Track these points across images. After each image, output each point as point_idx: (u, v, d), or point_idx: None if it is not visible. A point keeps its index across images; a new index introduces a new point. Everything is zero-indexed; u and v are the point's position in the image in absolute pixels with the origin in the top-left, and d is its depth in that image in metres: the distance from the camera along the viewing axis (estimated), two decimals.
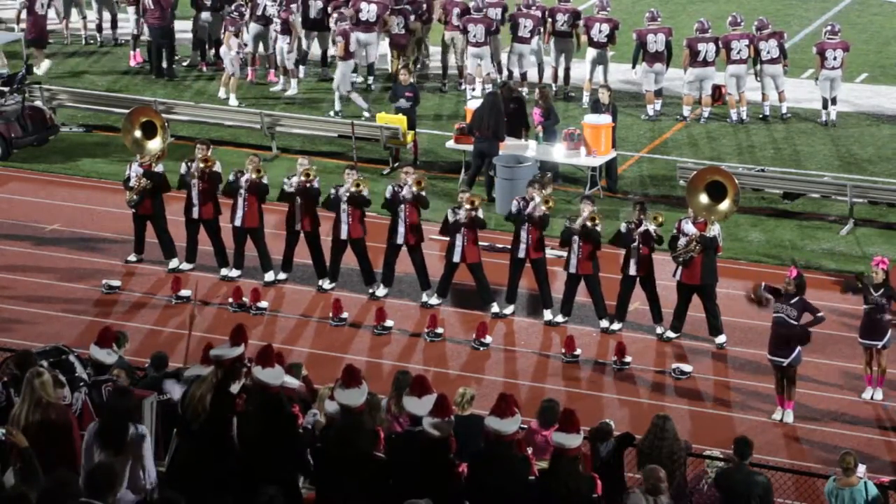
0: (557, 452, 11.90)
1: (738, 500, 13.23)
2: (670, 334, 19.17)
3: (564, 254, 19.57)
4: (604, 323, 19.37)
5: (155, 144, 21.05)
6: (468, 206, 19.56)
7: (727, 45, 26.80)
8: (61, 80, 28.96)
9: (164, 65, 29.49)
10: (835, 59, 26.52)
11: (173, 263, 21.05)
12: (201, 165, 20.51)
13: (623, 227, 19.27)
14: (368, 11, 28.34)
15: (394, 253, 20.23)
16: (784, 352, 17.09)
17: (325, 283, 20.56)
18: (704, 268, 18.77)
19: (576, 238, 19.14)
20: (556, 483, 11.80)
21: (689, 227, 18.84)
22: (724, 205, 18.97)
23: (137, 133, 21.12)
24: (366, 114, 26.83)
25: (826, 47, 26.57)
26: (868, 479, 13.83)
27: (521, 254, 19.55)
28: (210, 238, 20.83)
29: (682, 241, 18.76)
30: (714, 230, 18.77)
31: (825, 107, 26.96)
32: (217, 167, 20.70)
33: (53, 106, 26.89)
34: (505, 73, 28.29)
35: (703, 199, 18.97)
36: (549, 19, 28.06)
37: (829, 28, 27.13)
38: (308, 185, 20.23)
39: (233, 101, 27.55)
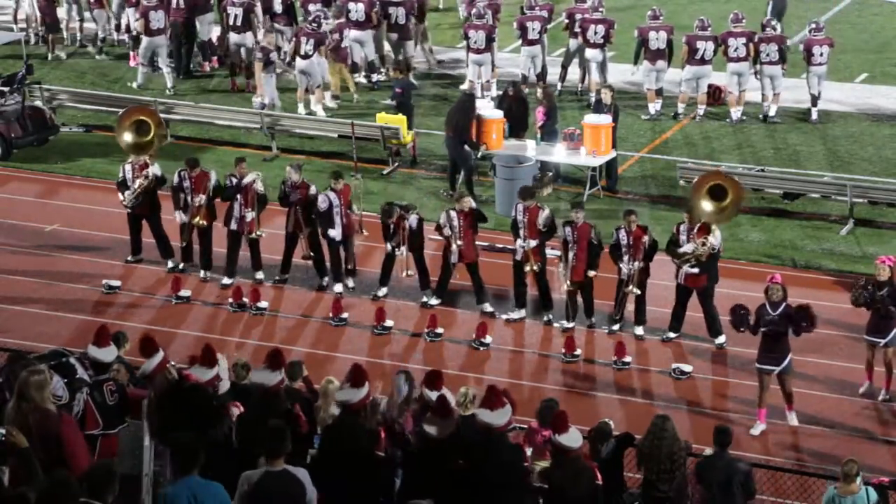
0: (558, 453, 11.95)
1: (721, 488, 13.22)
2: (670, 335, 19.15)
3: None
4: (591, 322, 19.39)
5: (130, 140, 21.04)
6: (457, 208, 19.67)
7: (725, 41, 26.87)
8: (61, 80, 28.99)
9: (183, 63, 29.64)
10: (821, 55, 26.78)
11: (171, 263, 21.04)
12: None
13: (613, 236, 19.14)
14: (357, 11, 28.46)
15: (390, 258, 20.22)
16: (774, 360, 16.93)
17: (325, 282, 20.57)
18: (708, 272, 18.74)
19: (572, 246, 19.05)
20: (558, 481, 11.85)
21: (688, 247, 18.72)
22: (726, 205, 18.90)
23: (128, 136, 21.05)
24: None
25: (813, 44, 26.75)
26: (867, 479, 13.82)
27: (520, 258, 19.51)
28: (200, 242, 20.83)
29: (689, 247, 18.64)
30: (717, 238, 18.69)
31: (814, 104, 27.10)
32: (213, 178, 20.65)
33: (53, 106, 26.90)
34: (519, 75, 28.18)
35: (707, 205, 18.88)
36: (567, 20, 28.29)
37: (813, 25, 27.30)
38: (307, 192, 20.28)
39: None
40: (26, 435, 11.25)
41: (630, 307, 19.36)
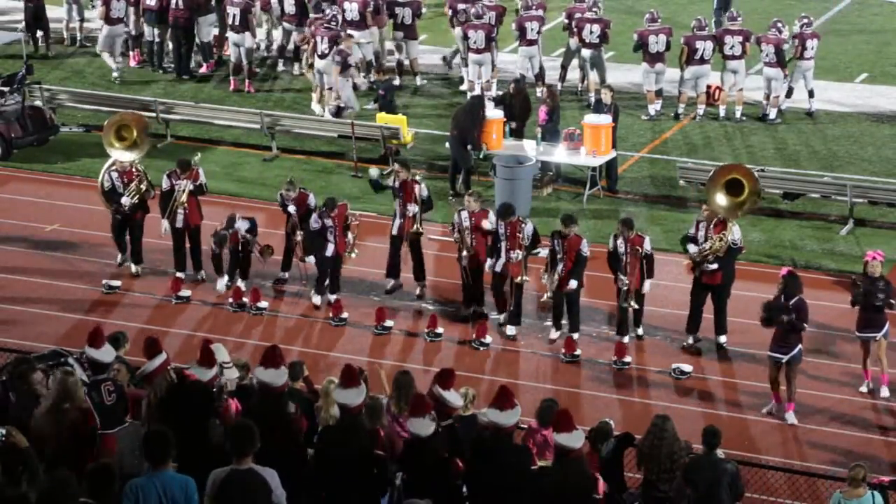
0: (560, 453, 11.94)
1: (708, 489, 13.22)
2: (689, 340, 18.97)
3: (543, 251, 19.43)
4: (575, 336, 19.13)
5: (129, 155, 20.88)
6: (471, 206, 19.57)
7: (721, 39, 26.91)
8: (61, 81, 28.99)
9: (183, 63, 29.69)
10: (812, 48, 26.98)
11: (135, 269, 20.94)
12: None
13: (611, 244, 18.96)
14: (351, 10, 28.52)
15: (393, 245, 20.19)
16: (784, 348, 17.09)
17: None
18: (725, 269, 18.69)
19: (561, 258, 18.79)
20: (558, 480, 11.84)
21: (696, 249, 18.65)
22: (744, 199, 18.88)
23: (116, 145, 20.91)
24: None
25: (805, 38, 26.95)
26: (868, 479, 13.81)
27: (498, 268, 19.22)
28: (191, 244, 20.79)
29: (706, 245, 18.56)
30: (735, 233, 18.64)
31: (789, 95, 27.31)
32: (202, 177, 20.64)
33: (53, 106, 26.89)
34: (518, 75, 28.17)
35: (721, 198, 18.84)
36: (567, 20, 28.34)
37: (805, 20, 27.33)
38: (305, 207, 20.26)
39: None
40: (68, 433, 11.37)
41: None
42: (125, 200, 20.57)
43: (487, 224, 19.31)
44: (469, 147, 23.69)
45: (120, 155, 20.83)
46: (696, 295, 18.91)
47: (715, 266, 18.56)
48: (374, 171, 22.20)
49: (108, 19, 29.13)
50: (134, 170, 20.74)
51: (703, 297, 18.88)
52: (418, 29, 29.40)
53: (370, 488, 11.99)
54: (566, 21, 28.56)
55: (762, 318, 17.21)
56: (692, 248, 18.69)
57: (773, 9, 32.44)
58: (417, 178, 20.37)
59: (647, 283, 18.82)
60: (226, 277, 20.37)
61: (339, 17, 27.82)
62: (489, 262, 19.26)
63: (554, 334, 19.15)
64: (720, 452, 13.78)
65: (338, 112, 26.26)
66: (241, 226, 20.28)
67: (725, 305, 18.87)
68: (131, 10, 30.14)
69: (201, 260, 20.76)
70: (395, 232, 20.18)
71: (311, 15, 28.67)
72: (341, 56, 26.49)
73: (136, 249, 21.00)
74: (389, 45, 29.75)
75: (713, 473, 13.22)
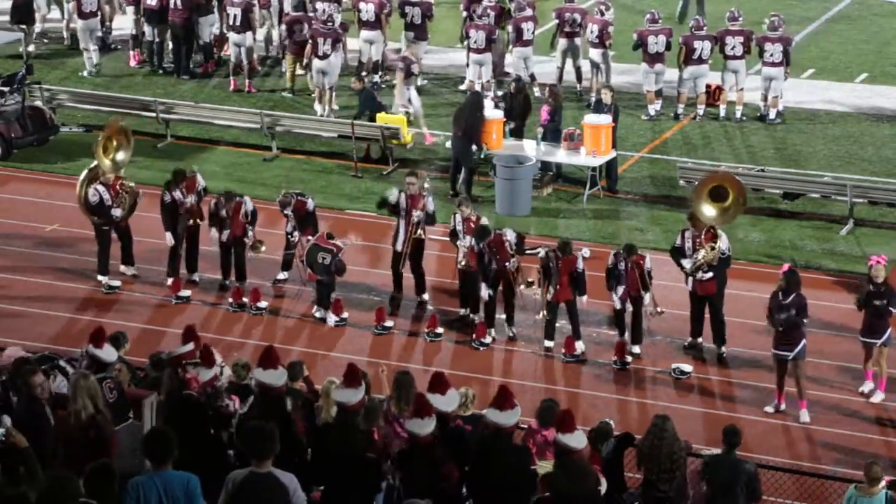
0: (560, 452, 11.94)
1: (725, 488, 13.22)
2: (689, 340, 19.00)
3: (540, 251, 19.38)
4: (579, 345, 19.09)
5: (122, 156, 20.82)
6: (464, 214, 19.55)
7: (722, 40, 26.90)
8: (61, 80, 28.99)
9: (183, 63, 29.67)
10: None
11: (130, 270, 20.93)
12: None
13: (611, 261, 18.76)
14: (367, 11, 28.52)
15: (396, 259, 20.17)
16: (788, 346, 17.11)
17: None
18: (718, 278, 18.64)
19: (554, 272, 18.63)
20: (564, 482, 11.84)
21: (691, 260, 18.59)
22: (729, 204, 18.82)
23: (111, 160, 20.77)
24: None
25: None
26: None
27: (493, 293, 19.11)
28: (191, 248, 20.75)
29: (695, 257, 18.48)
30: (724, 242, 18.58)
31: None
32: (201, 183, 20.63)
33: (53, 106, 26.88)
34: (514, 75, 28.15)
35: (709, 209, 18.75)
36: (557, 20, 28.21)
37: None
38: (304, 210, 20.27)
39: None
40: (73, 438, 11.37)
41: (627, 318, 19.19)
42: (118, 213, 20.46)
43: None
44: (474, 146, 23.62)
45: (120, 160, 20.72)
46: (694, 307, 18.88)
47: (710, 275, 18.52)
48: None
49: (81, 13, 29.46)
50: (118, 182, 20.52)
51: (702, 307, 18.86)
52: (429, 30, 29.38)
53: (363, 487, 11.99)
54: (557, 21, 28.48)
55: (776, 322, 17.16)
56: (686, 262, 18.65)
57: (773, 8, 32.39)
58: (425, 191, 20.24)
59: (647, 296, 18.74)
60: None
61: (337, 17, 27.78)
62: (483, 289, 19.09)
63: (548, 343, 19.07)
64: (718, 452, 13.80)
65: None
66: (247, 203, 20.21)
67: (721, 311, 18.74)
68: (131, 8, 30.19)
69: (196, 262, 20.72)
70: (398, 248, 20.10)
71: (292, 13, 28.63)
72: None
73: (127, 252, 20.96)
74: (391, 45, 29.75)
75: (732, 473, 13.22)
